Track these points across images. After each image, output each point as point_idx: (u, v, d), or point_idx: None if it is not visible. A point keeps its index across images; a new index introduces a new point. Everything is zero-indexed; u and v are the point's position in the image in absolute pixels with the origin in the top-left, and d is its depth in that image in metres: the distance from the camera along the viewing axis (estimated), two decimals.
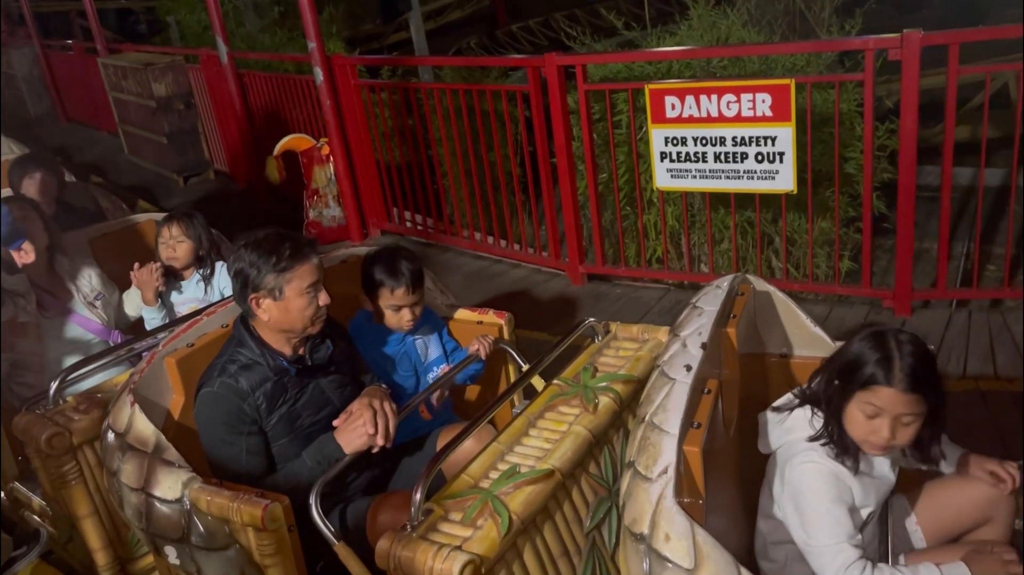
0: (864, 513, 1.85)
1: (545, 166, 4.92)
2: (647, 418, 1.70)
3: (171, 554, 2.12)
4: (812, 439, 1.84)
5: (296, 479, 2.14)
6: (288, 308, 2.19)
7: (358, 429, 2.10)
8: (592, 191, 4.81)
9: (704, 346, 1.85)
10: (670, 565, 1.45)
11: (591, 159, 4.72)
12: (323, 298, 2.23)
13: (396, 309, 2.60)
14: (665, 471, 1.54)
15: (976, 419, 3.15)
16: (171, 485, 2.05)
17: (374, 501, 2.16)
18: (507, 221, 5.41)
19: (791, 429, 1.89)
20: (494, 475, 1.91)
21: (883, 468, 1.91)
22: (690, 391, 1.72)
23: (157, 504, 2.06)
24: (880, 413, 1.76)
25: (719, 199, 4.52)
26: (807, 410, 1.90)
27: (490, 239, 5.54)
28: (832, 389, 1.84)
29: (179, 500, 2.04)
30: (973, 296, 4.20)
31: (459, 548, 1.67)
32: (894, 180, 4.04)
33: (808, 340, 2.25)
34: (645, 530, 1.51)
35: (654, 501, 1.52)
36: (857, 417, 1.79)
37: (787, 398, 1.98)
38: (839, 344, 2.03)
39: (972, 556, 1.78)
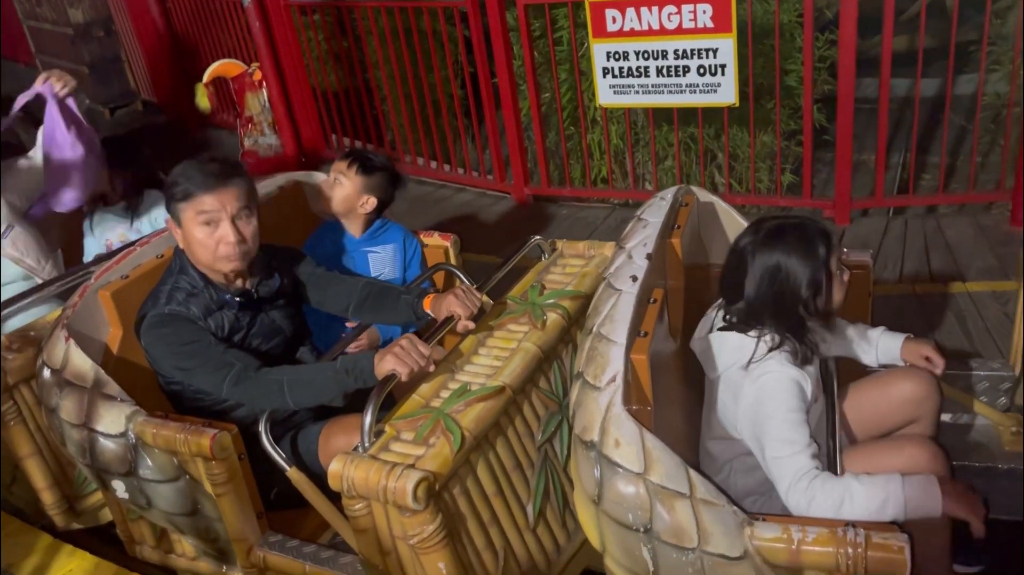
0: (817, 410, 1.88)
1: (487, 87, 4.81)
2: (595, 329, 1.70)
3: (119, 488, 2.10)
4: (769, 350, 1.80)
5: (309, 381, 2.00)
6: (188, 239, 2.09)
7: (401, 355, 1.89)
8: (535, 111, 4.74)
9: (649, 256, 1.85)
10: (620, 470, 1.48)
11: (533, 78, 4.63)
12: (225, 234, 2.05)
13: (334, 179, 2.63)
14: (613, 379, 1.56)
15: (912, 320, 3.24)
16: (114, 419, 2.01)
17: (325, 425, 2.15)
18: (450, 145, 5.32)
19: (740, 347, 1.84)
20: (445, 394, 1.91)
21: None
22: (636, 301, 1.72)
23: (101, 439, 2.02)
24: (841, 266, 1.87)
25: (662, 115, 4.49)
26: (750, 331, 1.85)
27: (433, 164, 5.45)
28: (800, 294, 1.81)
29: (124, 434, 2.00)
30: (909, 203, 4.29)
31: (412, 466, 1.68)
32: (834, 92, 4.06)
33: None
34: (595, 437, 1.52)
35: (603, 408, 1.53)
36: (835, 287, 1.86)
37: (719, 317, 1.93)
38: None
39: (897, 453, 1.85)
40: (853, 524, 1.43)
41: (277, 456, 2.02)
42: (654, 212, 2.06)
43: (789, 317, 1.82)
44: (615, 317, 1.68)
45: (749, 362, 1.80)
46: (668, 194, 2.17)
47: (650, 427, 1.52)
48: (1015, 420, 2.34)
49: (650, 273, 1.82)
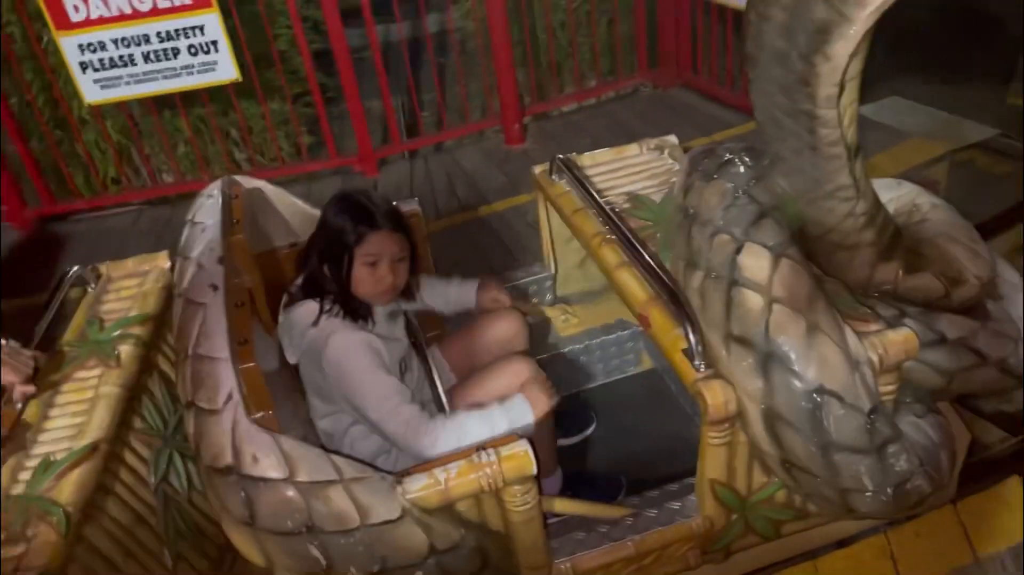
0: (410, 363, 2.00)
1: None
2: (191, 351, 1.59)
3: None
4: (329, 316, 1.85)
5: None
6: None
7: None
8: (6, 119, 4.09)
9: (221, 260, 1.77)
10: (266, 482, 1.43)
11: None
12: None
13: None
14: (230, 397, 1.48)
15: (460, 250, 3.58)
16: None
17: None
18: None
19: (306, 320, 1.86)
20: (26, 475, 1.64)
21: (394, 329, 2.03)
22: (225, 310, 1.64)
23: None
24: (379, 259, 1.86)
25: (163, 102, 4.20)
26: (312, 301, 1.88)
27: None
28: (332, 266, 1.86)
29: None
30: (425, 143, 4.66)
31: (17, 571, 1.43)
32: (327, 48, 4.18)
33: (309, 222, 2.27)
34: (230, 461, 1.45)
35: (228, 430, 1.46)
36: (363, 274, 1.86)
37: (286, 300, 1.95)
38: None
39: (502, 373, 2.05)
40: (482, 447, 1.58)
41: None
42: (207, 213, 1.96)
43: (338, 284, 1.87)
44: (209, 333, 1.59)
45: (317, 334, 1.82)
46: (214, 191, 2.07)
47: (278, 430, 1.49)
48: (561, 310, 2.76)
49: (227, 277, 1.74)
